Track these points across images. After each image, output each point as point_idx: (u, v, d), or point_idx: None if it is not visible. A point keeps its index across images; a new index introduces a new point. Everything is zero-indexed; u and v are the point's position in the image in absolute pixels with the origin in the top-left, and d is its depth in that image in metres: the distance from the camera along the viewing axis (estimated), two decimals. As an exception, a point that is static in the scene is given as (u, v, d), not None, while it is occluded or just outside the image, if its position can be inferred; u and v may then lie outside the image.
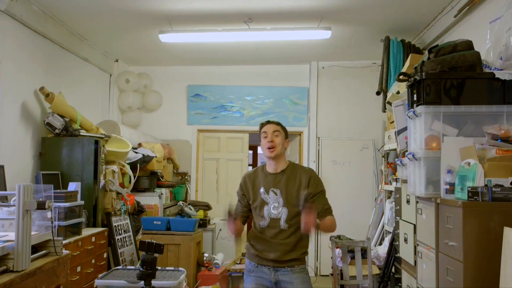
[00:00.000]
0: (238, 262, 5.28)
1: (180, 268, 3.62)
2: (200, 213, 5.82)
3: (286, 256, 2.59)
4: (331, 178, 6.31)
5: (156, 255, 2.57)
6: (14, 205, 2.51)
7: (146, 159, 5.49)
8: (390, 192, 4.99)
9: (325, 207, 2.62)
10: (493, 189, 2.40)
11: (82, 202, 4.01)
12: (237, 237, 2.64)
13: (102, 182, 4.48)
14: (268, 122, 2.76)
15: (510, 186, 2.43)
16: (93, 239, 4.06)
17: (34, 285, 2.61)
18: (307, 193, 2.55)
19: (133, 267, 3.66)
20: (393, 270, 4.38)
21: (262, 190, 2.66)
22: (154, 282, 2.62)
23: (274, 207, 2.62)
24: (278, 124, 2.74)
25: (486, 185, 2.44)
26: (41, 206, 2.53)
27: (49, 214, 2.79)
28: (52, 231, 2.83)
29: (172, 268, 3.63)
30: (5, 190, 3.84)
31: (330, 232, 2.68)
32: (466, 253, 2.43)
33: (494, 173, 2.46)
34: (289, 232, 2.59)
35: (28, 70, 4.46)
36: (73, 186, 4.01)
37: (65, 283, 3.08)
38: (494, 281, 2.28)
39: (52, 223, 2.78)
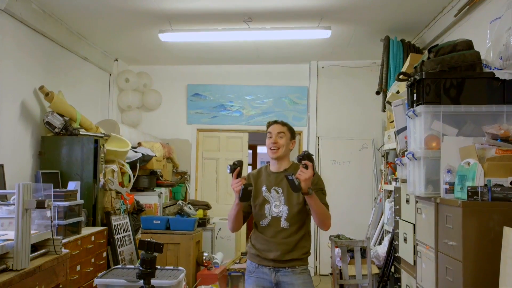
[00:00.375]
0: (237, 261, 5.28)
1: (180, 267, 3.62)
2: (200, 213, 5.82)
3: (287, 255, 2.56)
4: (331, 177, 6.31)
5: (155, 254, 2.57)
6: (14, 204, 2.51)
7: (145, 158, 5.49)
8: (390, 191, 4.99)
9: (322, 201, 2.59)
10: (493, 188, 2.40)
11: (82, 201, 4.01)
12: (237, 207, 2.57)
13: (101, 181, 4.48)
14: (275, 122, 2.73)
15: (509, 185, 2.43)
16: (93, 238, 4.06)
17: (34, 284, 2.61)
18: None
19: (132, 266, 3.66)
20: (392, 269, 4.39)
21: (264, 188, 2.66)
22: (153, 281, 2.62)
23: (275, 205, 2.62)
24: (284, 125, 2.72)
25: (485, 185, 2.44)
26: (40, 205, 2.54)
27: (48, 213, 2.79)
28: (52, 230, 2.83)
29: (171, 267, 3.63)
30: (5, 189, 3.84)
31: (323, 221, 2.55)
32: (465, 253, 2.43)
33: (493, 172, 2.46)
34: (290, 232, 2.58)
35: (27, 69, 4.46)
36: (72, 185, 4.01)
37: (64, 282, 3.08)
38: (493, 280, 2.28)
39: (51, 222, 2.78)
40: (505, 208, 2.37)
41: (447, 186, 2.71)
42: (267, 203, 2.63)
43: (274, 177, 2.67)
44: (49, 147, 4.49)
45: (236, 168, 2.49)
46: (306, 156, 2.39)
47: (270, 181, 2.67)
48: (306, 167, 2.37)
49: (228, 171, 2.51)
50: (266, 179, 2.68)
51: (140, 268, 2.54)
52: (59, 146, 4.46)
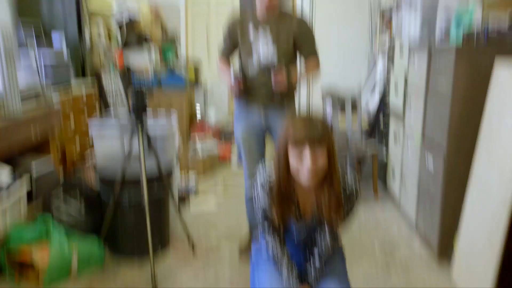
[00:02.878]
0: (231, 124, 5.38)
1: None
2: (191, 72, 5.76)
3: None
4: (325, 33, 6.12)
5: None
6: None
7: (132, 18, 5.26)
8: (384, 46, 4.89)
9: (311, 48, 2.59)
10: (489, 30, 2.35)
11: (69, 61, 3.87)
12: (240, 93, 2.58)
13: (88, 39, 4.29)
14: None
15: (507, 31, 2.35)
16: (84, 99, 4.02)
17: (28, 129, 2.65)
18: (294, 34, 2.52)
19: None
20: (382, 120, 4.48)
21: (250, 25, 2.56)
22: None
23: (263, 43, 2.53)
24: None
25: (482, 31, 2.38)
26: (22, 45, 2.45)
27: (34, 61, 2.74)
28: (39, 75, 2.79)
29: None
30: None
31: (314, 72, 2.63)
32: (455, 93, 2.44)
33: (493, 7, 2.36)
34: (278, 68, 2.52)
35: None
36: (56, 37, 3.82)
37: (58, 131, 3.14)
38: (478, 121, 2.34)
39: (38, 69, 2.73)
40: (499, 51, 2.33)
41: (443, 32, 2.64)
42: (256, 41, 2.54)
43: (262, 19, 2.54)
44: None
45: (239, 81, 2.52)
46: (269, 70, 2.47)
47: (257, 21, 2.56)
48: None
49: (232, 80, 2.52)
50: (253, 19, 2.57)
51: (133, 103, 2.51)
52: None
